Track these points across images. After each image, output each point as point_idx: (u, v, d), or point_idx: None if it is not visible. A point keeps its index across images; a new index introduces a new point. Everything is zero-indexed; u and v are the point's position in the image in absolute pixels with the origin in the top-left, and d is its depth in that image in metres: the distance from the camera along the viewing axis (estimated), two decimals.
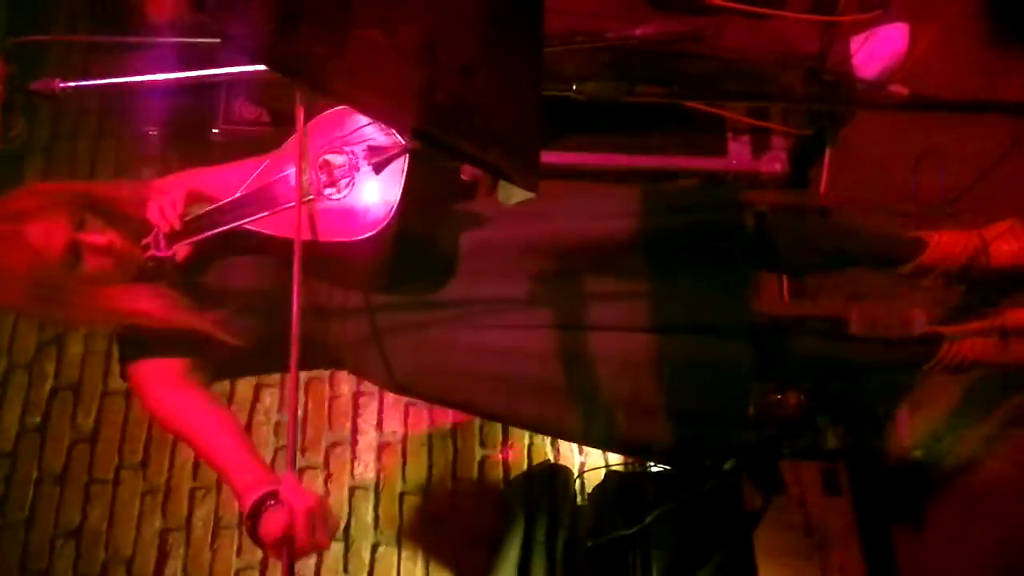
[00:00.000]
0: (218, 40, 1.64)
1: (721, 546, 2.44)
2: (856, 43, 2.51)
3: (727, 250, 1.88)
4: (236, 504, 3.06)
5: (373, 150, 1.63)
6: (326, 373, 3.26)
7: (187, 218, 1.69)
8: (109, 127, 3.54)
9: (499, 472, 3.15)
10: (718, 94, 2.49)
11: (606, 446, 2.22)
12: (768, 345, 1.88)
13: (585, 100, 1.57)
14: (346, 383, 3.25)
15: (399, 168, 1.65)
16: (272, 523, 1.37)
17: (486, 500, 3.08)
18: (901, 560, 2.38)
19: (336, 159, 1.68)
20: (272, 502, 1.42)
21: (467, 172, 2.61)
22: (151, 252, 1.67)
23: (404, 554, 3.06)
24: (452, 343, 1.82)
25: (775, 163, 2.74)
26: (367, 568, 3.05)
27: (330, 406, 3.25)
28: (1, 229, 1.58)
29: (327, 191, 1.68)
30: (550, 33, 1.22)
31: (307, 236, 1.64)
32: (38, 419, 3.23)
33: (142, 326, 1.64)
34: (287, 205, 1.66)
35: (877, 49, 2.47)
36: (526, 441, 3.19)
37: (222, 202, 1.71)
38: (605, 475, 2.82)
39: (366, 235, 1.65)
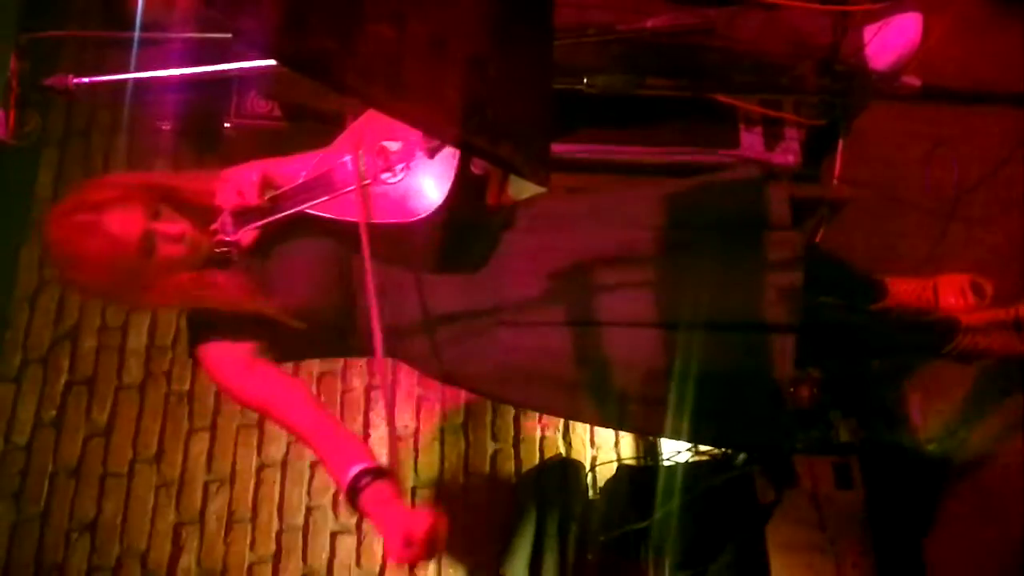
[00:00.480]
0: (229, 35, 1.64)
1: (733, 540, 2.44)
2: (869, 33, 2.49)
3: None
4: (249, 497, 3.12)
5: (429, 137, 1.66)
6: (339, 368, 3.26)
7: (252, 206, 1.74)
8: (122, 122, 3.55)
9: (511, 466, 3.15)
10: (730, 86, 2.48)
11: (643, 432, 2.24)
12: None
13: (596, 93, 1.56)
14: (358, 377, 3.26)
15: (452, 154, 1.71)
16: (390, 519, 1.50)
17: (498, 494, 3.08)
18: (913, 554, 2.37)
19: (392, 145, 1.73)
20: (367, 479, 1.54)
21: (477, 166, 2.61)
22: (219, 236, 1.73)
23: None
24: (493, 338, 1.84)
25: (788, 155, 2.73)
26: (379, 561, 3.06)
27: (342, 400, 3.25)
28: (82, 219, 1.65)
29: (383, 176, 1.73)
30: (561, 26, 1.22)
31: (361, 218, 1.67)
32: (53, 413, 3.24)
33: (211, 309, 1.72)
34: (346, 189, 1.71)
35: (890, 39, 2.45)
36: (538, 435, 3.19)
37: (285, 188, 1.76)
38: (617, 469, 2.82)
39: (419, 217, 1.71)
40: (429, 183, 1.72)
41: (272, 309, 1.70)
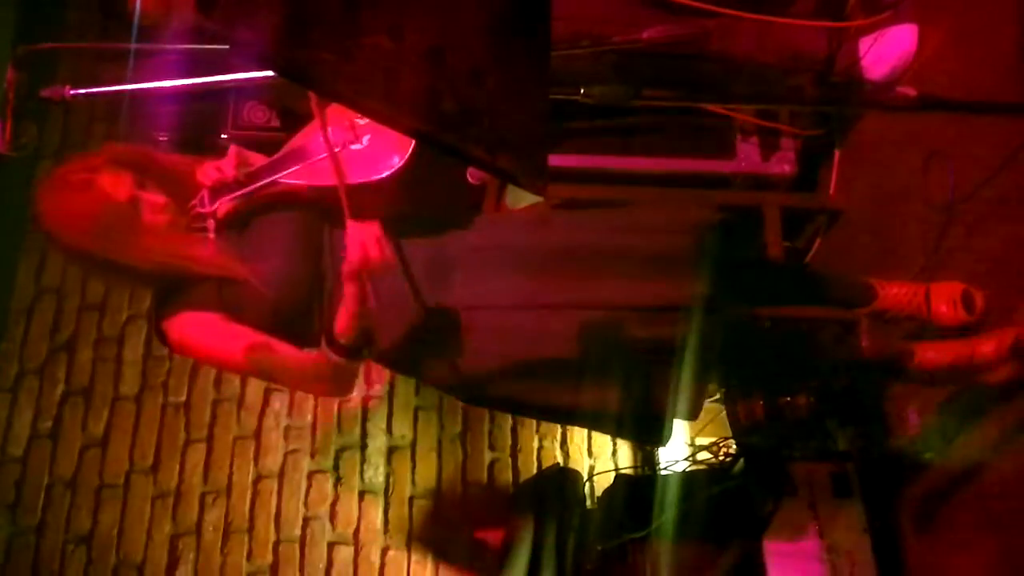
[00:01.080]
0: (226, 47, 1.65)
1: (731, 549, 2.43)
2: (865, 45, 2.50)
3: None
4: (246, 508, 3.12)
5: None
6: None
7: (229, 179, 1.85)
8: (119, 134, 3.55)
9: (509, 475, 3.15)
10: (726, 97, 2.49)
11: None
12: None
13: (593, 103, 1.57)
14: (355, 388, 3.25)
15: None
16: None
17: (496, 504, 3.08)
18: (911, 563, 2.37)
19: (361, 119, 1.85)
20: None
21: (475, 176, 2.61)
22: (196, 210, 1.84)
23: (414, 558, 3.06)
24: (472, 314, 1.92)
25: (784, 164, 2.74)
26: (377, 572, 3.05)
27: (340, 410, 3.25)
28: (79, 177, 1.77)
29: (352, 146, 1.86)
30: (556, 38, 1.23)
31: (333, 182, 1.70)
32: (49, 424, 3.24)
33: (180, 281, 1.80)
34: (318, 157, 1.82)
35: (886, 50, 2.46)
36: (535, 444, 3.19)
37: (260, 164, 1.87)
38: (614, 478, 2.82)
39: (385, 174, 1.86)
40: (392, 146, 1.88)
41: (244, 272, 1.78)
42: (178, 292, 1.81)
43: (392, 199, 1.90)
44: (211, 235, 1.85)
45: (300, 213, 1.90)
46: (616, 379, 1.93)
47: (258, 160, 1.93)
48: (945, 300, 2.22)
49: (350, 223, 1.64)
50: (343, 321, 1.68)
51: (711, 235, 1.97)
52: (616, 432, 2.20)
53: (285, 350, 1.78)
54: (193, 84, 1.77)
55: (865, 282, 2.27)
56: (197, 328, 1.81)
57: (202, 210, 1.85)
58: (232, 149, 1.90)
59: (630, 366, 1.93)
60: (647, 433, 2.02)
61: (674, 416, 1.96)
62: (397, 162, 1.87)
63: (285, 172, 1.85)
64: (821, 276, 2.47)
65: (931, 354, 2.17)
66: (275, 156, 1.87)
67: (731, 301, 1.99)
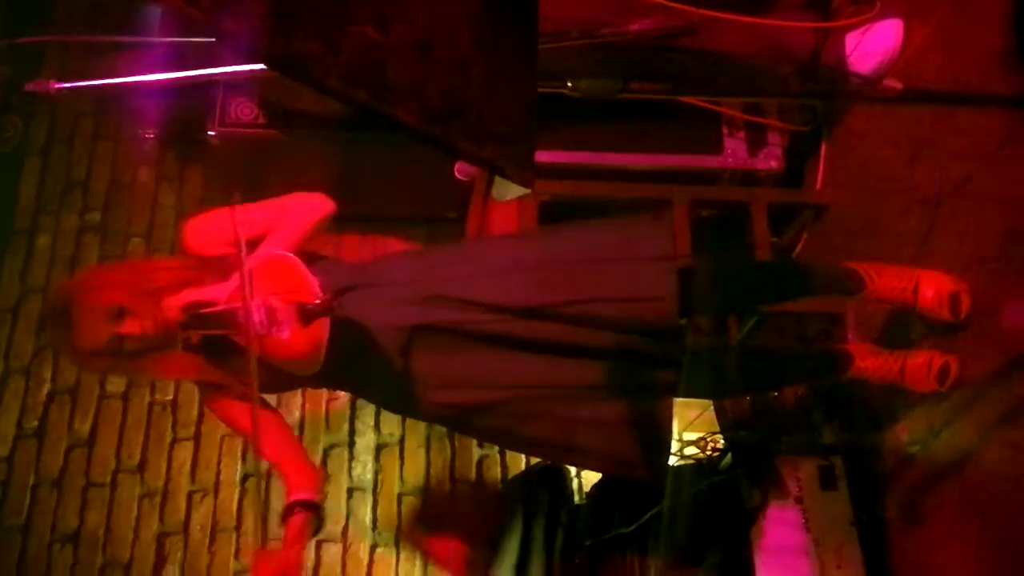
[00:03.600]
0: (212, 39, 1.64)
1: (719, 543, 2.44)
2: (851, 39, 2.52)
3: None
4: (233, 507, 3.11)
5: (302, 308, 1.85)
6: None
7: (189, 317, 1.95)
8: (106, 130, 3.54)
9: (497, 472, 3.15)
10: (713, 90, 2.50)
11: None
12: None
13: (580, 96, 1.57)
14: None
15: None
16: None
17: (484, 500, 3.08)
18: (898, 555, 2.38)
19: (278, 304, 1.87)
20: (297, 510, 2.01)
21: (462, 172, 2.61)
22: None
23: (402, 555, 3.06)
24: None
25: (771, 160, 2.75)
26: (365, 569, 3.04)
27: (327, 408, 3.24)
28: (63, 318, 1.92)
29: (274, 330, 1.89)
30: (544, 32, 1.23)
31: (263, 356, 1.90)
32: (35, 423, 3.22)
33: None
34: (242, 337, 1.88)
35: (871, 45, 2.48)
36: None
37: (208, 311, 1.93)
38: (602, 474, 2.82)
39: (310, 371, 2.00)
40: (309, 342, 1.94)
41: (228, 379, 2.02)
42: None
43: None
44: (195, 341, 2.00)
45: None
46: (614, 413, 2.02)
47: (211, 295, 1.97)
48: (934, 289, 2.22)
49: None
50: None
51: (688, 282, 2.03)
52: (614, 471, 2.23)
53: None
54: (180, 78, 1.76)
55: (853, 271, 2.27)
56: (219, 408, 2.12)
57: (181, 334, 1.98)
58: (181, 298, 1.94)
59: (629, 402, 2.01)
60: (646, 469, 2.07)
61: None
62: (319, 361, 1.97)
63: (227, 332, 1.92)
64: (809, 268, 2.51)
65: (868, 363, 2.31)
66: (217, 310, 1.92)
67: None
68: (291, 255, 1.96)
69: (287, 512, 2.01)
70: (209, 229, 2.03)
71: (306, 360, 1.96)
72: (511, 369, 2.01)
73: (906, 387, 2.28)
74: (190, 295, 1.94)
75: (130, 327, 1.91)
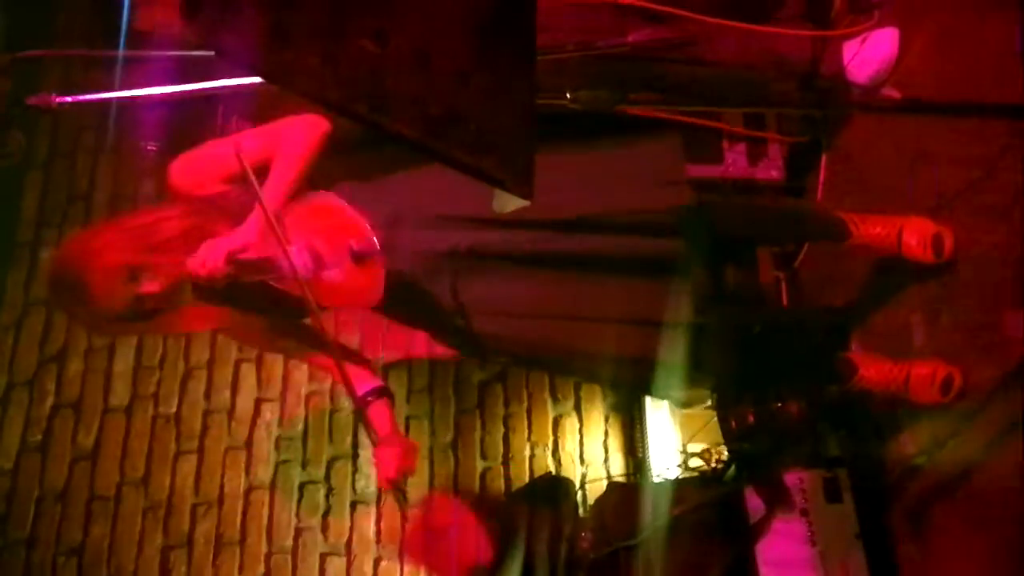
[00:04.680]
0: (211, 53, 1.65)
1: (724, 556, 2.43)
2: (849, 49, 2.52)
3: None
4: (237, 520, 3.10)
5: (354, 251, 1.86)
6: (327, 387, 3.25)
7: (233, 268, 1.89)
8: (108, 142, 3.55)
9: (501, 484, 3.14)
10: (712, 100, 2.50)
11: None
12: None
13: (579, 109, 1.57)
14: (347, 397, 3.25)
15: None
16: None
17: (488, 513, 3.06)
18: (904, 567, 2.37)
19: (320, 245, 1.86)
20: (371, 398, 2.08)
21: None
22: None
23: (406, 569, 3.05)
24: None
25: (771, 170, 2.74)
26: None
27: (331, 420, 3.24)
28: (68, 293, 1.86)
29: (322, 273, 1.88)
30: (542, 45, 1.23)
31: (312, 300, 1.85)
32: (39, 437, 3.22)
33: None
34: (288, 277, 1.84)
35: (869, 54, 2.48)
36: (527, 453, 3.18)
37: (242, 260, 1.87)
38: (607, 486, 2.81)
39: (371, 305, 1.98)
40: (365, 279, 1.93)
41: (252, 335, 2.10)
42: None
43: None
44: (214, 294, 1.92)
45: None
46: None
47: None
48: (916, 236, 2.24)
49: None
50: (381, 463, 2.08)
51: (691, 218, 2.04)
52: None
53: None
54: (181, 91, 1.76)
55: (839, 219, 2.30)
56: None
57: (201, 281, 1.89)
58: (221, 247, 1.88)
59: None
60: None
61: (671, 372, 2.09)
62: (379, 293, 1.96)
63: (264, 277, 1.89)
64: (796, 213, 2.54)
65: (871, 372, 2.32)
66: (255, 259, 1.87)
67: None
68: (331, 195, 1.92)
69: (363, 405, 2.05)
70: (200, 167, 1.95)
71: (364, 298, 1.94)
72: (552, 296, 2.05)
73: (909, 398, 2.28)
74: (219, 246, 1.84)
75: (148, 286, 1.84)
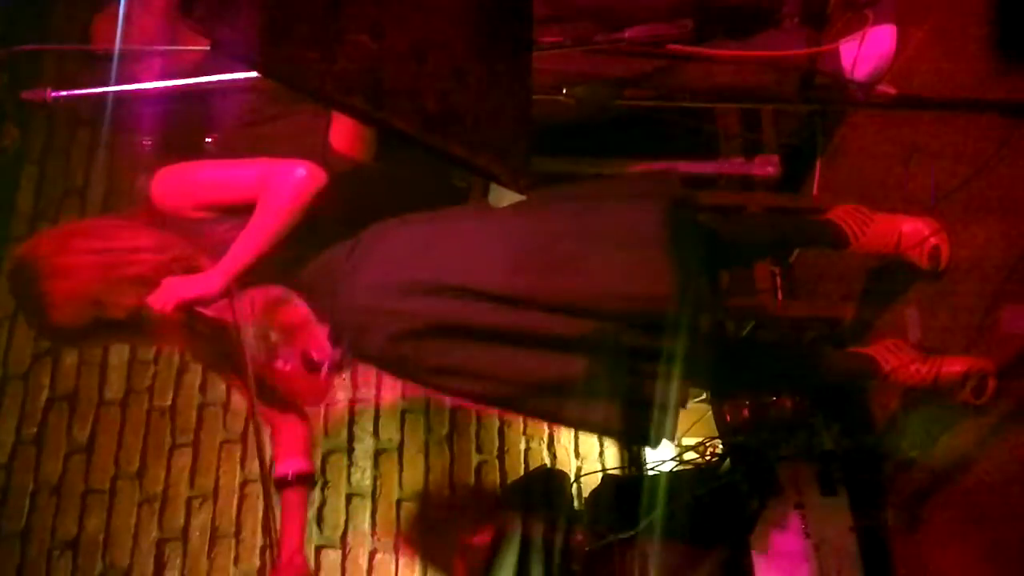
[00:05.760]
0: (208, 48, 1.65)
1: (718, 548, 2.44)
2: (847, 46, 2.52)
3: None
4: (232, 513, 3.10)
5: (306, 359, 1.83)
6: None
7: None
8: (103, 138, 3.54)
9: (496, 477, 3.15)
10: (709, 98, 2.50)
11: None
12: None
13: (576, 104, 1.57)
14: (342, 390, 3.26)
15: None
16: None
17: (483, 506, 3.08)
18: (898, 561, 2.38)
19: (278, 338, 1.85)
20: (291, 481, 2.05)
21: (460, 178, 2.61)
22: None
23: (402, 561, 3.06)
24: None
25: (767, 166, 2.74)
26: (365, 575, 3.04)
27: (326, 414, 3.24)
28: (27, 298, 1.85)
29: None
30: (538, 40, 1.23)
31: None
32: (34, 430, 3.22)
33: None
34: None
35: (866, 51, 2.48)
36: (522, 446, 3.19)
37: (200, 311, 1.84)
38: (602, 479, 2.82)
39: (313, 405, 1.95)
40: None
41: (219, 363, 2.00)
42: None
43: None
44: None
45: None
46: (602, 380, 1.94)
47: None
48: (916, 240, 2.25)
49: None
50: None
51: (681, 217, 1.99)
52: (603, 431, 2.21)
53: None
54: (178, 86, 1.76)
55: (839, 228, 2.29)
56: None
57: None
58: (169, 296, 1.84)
59: (615, 365, 1.94)
60: (635, 432, 2.01)
61: (664, 414, 1.96)
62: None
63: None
64: (793, 223, 2.52)
65: (897, 363, 2.22)
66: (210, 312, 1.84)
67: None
68: (296, 299, 1.87)
69: (276, 487, 1.99)
70: (184, 190, 1.89)
71: (309, 398, 1.93)
72: (512, 363, 1.93)
73: (939, 394, 2.19)
74: (177, 291, 1.80)
75: (112, 313, 1.80)
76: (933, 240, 2.24)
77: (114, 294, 1.79)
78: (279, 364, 1.76)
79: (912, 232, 2.27)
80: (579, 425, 2.26)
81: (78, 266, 1.79)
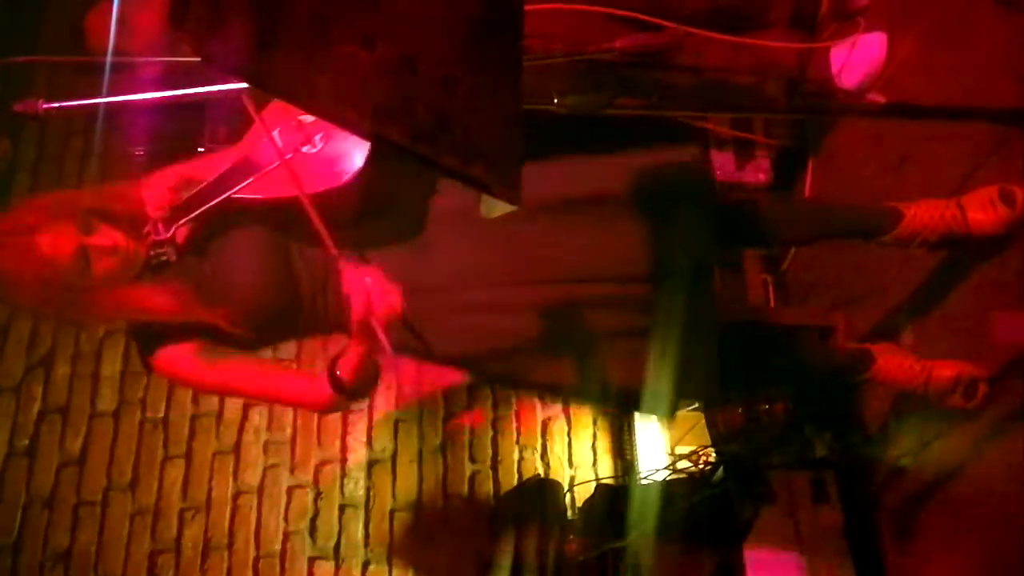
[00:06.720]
0: (198, 59, 1.64)
1: (711, 557, 2.44)
2: (837, 54, 2.53)
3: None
4: (225, 524, 3.09)
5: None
6: None
7: (179, 203, 1.75)
8: (95, 148, 3.54)
9: (490, 487, 3.14)
10: (700, 106, 2.51)
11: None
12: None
13: (566, 112, 1.58)
14: None
15: None
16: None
17: (477, 516, 3.07)
18: (890, 568, 2.38)
19: (307, 118, 1.74)
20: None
21: None
22: (152, 238, 1.74)
23: (395, 572, 3.05)
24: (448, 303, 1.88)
25: (759, 173, 2.75)
26: None
27: (319, 424, 3.24)
28: (13, 241, 1.65)
29: (304, 148, 1.75)
30: (529, 51, 1.23)
31: (290, 192, 1.65)
32: (26, 442, 3.21)
33: (154, 321, 1.74)
34: (270, 166, 1.71)
35: (856, 59, 2.49)
36: (516, 456, 3.18)
37: (208, 181, 1.76)
38: (595, 488, 2.82)
39: (347, 178, 1.73)
40: (348, 147, 1.74)
41: (215, 318, 1.72)
42: (154, 326, 1.75)
43: (358, 201, 1.80)
44: (174, 270, 1.76)
45: (261, 232, 1.81)
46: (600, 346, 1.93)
47: (202, 174, 1.80)
48: (979, 207, 2.04)
49: (347, 272, 1.61)
50: (350, 370, 1.72)
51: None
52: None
53: (286, 383, 1.85)
54: (169, 96, 1.76)
55: (885, 207, 2.11)
56: (185, 364, 1.76)
57: (158, 238, 1.74)
58: (174, 171, 1.81)
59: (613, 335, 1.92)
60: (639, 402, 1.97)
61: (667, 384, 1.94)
62: (359, 160, 1.73)
63: (238, 187, 1.72)
64: (834, 208, 2.35)
65: (891, 364, 2.23)
66: (224, 171, 1.76)
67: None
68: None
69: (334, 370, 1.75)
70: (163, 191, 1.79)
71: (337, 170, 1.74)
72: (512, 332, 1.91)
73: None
74: (175, 172, 1.75)
75: (100, 239, 1.67)
76: (998, 186, 2.05)
77: (105, 213, 1.70)
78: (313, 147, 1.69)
79: (973, 194, 2.09)
80: (578, 393, 2.22)
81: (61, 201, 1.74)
